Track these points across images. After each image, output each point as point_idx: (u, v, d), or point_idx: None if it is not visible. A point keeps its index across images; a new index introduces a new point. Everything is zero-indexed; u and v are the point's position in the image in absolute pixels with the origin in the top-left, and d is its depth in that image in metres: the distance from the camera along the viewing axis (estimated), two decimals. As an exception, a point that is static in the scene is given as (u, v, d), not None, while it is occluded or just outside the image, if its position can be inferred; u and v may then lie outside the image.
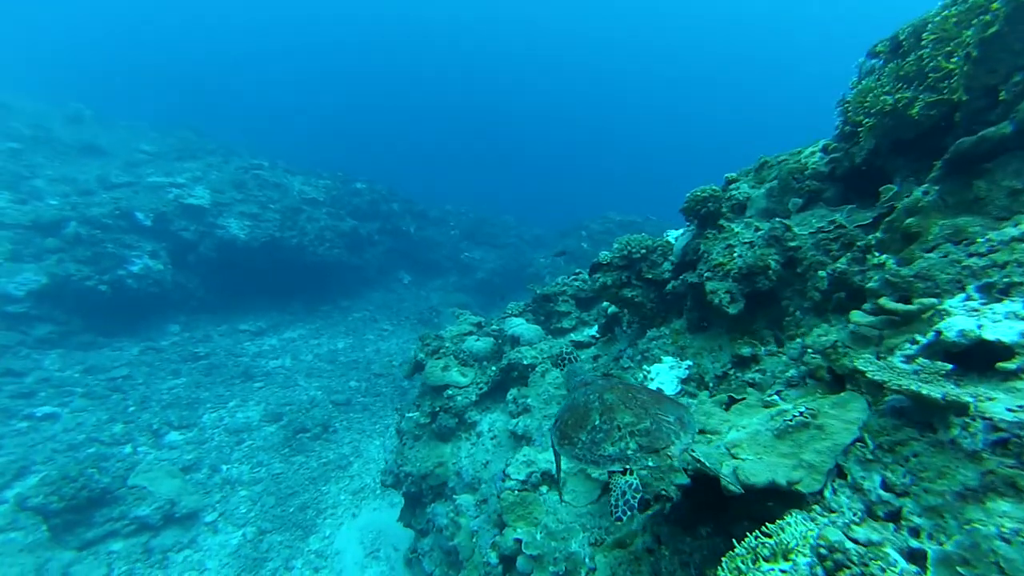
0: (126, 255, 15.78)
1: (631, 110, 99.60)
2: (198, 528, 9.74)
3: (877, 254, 3.39)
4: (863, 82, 3.64)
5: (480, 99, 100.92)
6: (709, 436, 3.37)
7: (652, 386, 4.92)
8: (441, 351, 8.52)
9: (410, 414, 8.48)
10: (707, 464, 2.97)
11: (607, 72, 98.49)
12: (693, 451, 2.80)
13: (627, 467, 2.47)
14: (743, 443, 3.09)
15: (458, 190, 46.01)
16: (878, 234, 3.45)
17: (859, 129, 3.63)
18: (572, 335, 8.28)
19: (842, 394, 2.99)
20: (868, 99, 3.49)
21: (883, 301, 2.93)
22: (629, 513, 2.40)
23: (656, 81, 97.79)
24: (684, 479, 3.02)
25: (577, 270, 9.73)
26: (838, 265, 3.68)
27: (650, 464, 2.43)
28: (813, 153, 4.56)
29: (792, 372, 3.88)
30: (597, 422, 2.66)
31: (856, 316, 3.08)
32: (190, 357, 15.49)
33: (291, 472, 11.64)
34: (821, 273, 3.90)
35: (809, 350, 3.71)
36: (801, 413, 2.91)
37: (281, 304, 19.81)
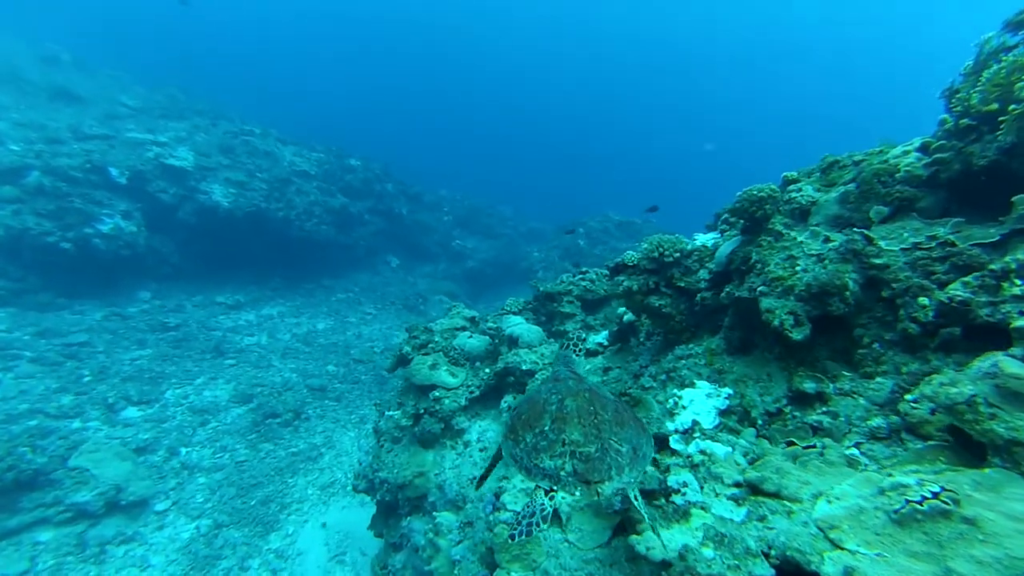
0: (95, 212, 14.56)
1: (633, 112, 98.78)
2: (146, 518, 8.81)
3: (1020, 282, 2.61)
4: (1010, 56, 2.83)
5: (483, 87, 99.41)
6: (788, 505, 2.57)
7: (685, 415, 4.13)
8: (430, 346, 7.65)
9: (390, 412, 7.61)
10: (800, 553, 2.17)
11: (613, 71, 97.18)
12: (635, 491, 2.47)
13: (553, 488, 2.32)
14: (842, 524, 2.29)
15: (454, 176, 44.76)
16: (1020, 256, 2.66)
17: (1001, 119, 2.82)
18: (577, 340, 7.45)
19: (988, 471, 2.20)
20: (1019, 79, 2.68)
21: (1056, 349, 2.16)
22: (526, 538, 2.27)
23: (661, 83, 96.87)
24: (765, 568, 2.22)
25: (584, 268, 8.89)
26: (955, 292, 2.89)
27: (576, 495, 2.30)
28: (907, 152, 3.76)
29: (878, 421, 3.10)
30: (547, 428, 2.51)
31: (1008, 365, 2.29)
32: (159, 327, 14.40)
33: (256, 460, 10.74)
34: (923, 300, 3.11)
35: (907, 396, 2.93)
36: (935, 494, 2.11)
37: (262, 278, 18.71)
